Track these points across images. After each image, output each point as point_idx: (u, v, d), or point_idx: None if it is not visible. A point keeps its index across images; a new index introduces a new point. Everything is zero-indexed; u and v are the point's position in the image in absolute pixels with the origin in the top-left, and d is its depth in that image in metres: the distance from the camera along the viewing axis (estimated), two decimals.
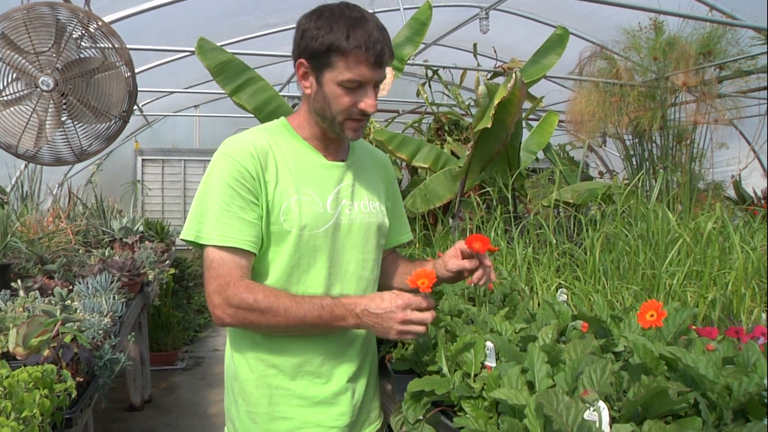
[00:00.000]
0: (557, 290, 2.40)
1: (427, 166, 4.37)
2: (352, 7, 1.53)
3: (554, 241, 2.54)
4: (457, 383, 1.42)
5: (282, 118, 1.70)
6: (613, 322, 1.67)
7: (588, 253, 2.40)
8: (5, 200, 3.90)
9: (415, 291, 1.45)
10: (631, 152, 6.53)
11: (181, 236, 1.54)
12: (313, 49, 1.50)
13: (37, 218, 5.57)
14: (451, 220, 3.93)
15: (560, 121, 6.10)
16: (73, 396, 2.07)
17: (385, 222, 1.73)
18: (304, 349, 1.59)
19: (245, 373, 1.62)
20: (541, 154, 6.04)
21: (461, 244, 1.65)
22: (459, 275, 1.68)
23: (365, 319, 1.47)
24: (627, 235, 2.42)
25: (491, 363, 1.46)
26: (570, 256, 2.73)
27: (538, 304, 2.39)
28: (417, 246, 3.58)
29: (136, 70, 6.72)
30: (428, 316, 1.46)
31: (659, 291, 2.10)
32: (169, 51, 5.86)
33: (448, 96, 5.82)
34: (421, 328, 1.46)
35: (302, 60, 1.54)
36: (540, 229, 3.10)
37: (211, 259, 1.51)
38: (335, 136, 1.60)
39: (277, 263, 1.57)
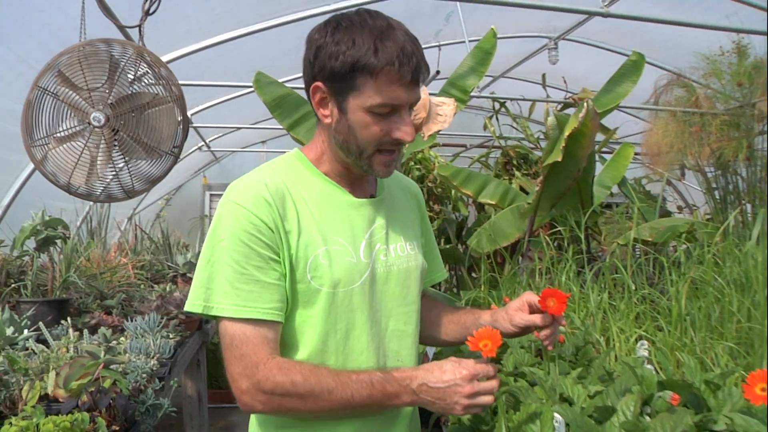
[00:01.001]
0: (637, 342, 2.14)
1: (494, 202, 4.14)
2: (375, 15, 1.28)
3: (633, 286, 2.28)
4: None
5: (296, 149, 1.46)
6: (708, 389, 1.42)
7: (672, 300, 2.13)
8: (67, 235, 3.86)
9: (473, 354, 1.24)
10: (714, 185, 6.12)
11: (185, 307, 1.31)
12: (333, 70, 1.25)
13: (102, 253, 5.61)
14: (520, 261, 3.68)
15: (635, 154, 5.78)
16: None
17: (425, 264, 1.52)
18: (350, 426, 1.36)
19: None
20: (615, 189, 5.73)
21: (530, 297, 1.43)
22: (525, 330, 1.46)
23: (424, 395, 1.25)
24: (718, 280, 2.13)
25: None
26: (650, 302, 2.46)
27: (615, 358, 2.13)
28: (483, 289, 3.35)
29: (202, 107, 6.83)
30: (495, 384, 1.25)
31: (757, 349, 1.82)
32: (233, 87, 5.87)
33: (516, 129, 5.60)
34: (489, 399, 1.24)
35: (319, 83, 1.30)
36: (616, 271, 2.83)
37: (231, 335, 1.27)
38: (362, 172, 1.40)
39: (309, 331, 1.33)
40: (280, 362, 1.26)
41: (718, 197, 6.12)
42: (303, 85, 1.40)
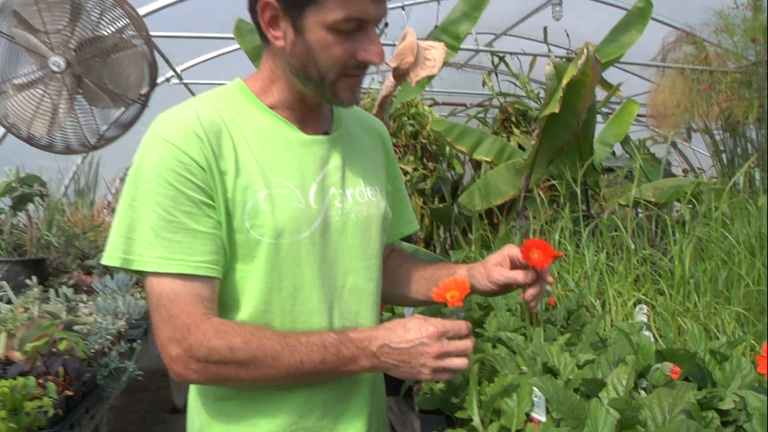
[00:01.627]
0: (635, 306, 1.95)
1: (489, 159, 3.94)
2: None
3: (633, 246, 2.08)
4: None
5: (238, 79, 1.24)
6: (713, 360, 1.23)
7: (675, 262, 1.94)
8: (44, 192, 3.68)
9: (437, 310, 1.05)
10: (721, 148, 5.89)
11: (102, 260, 1.10)
12: None
13: (87, 213, 5.44)
14: (514, 220, 3.49)
15: (639, 115, 5.54)
16: (50, 413, 1.78)
17: (389, 212, 1.32)
18: (300, 398, 1.17)
19: None
20: (617, 150, 5.52)
21: (512, 250, 1.24)
22: (505, 289, 1.28)
23: (385, 358, 1.08)
24: (728, 237, 1.94)
25: (540, 415, 1.05)
26: (651, 264, 2.27)
27: (611, 324, 1.95)
28: (474, 248, 3.17)
29: (192, 63, 6.57)
30: (469, 344, 1.08)
31: None
32: (222, 39, 5.61)
33: (516, 86, 5.36)
34: (461, 362, 1.07)
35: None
36: (615, 231, 2.64)
37: (158, 293, 1.08)
38: (319, 101, 1.19)
39: (250, 290, 1.15)
40: (215, 324, 1.07)
41: (725, 160, 5.91)
42: None
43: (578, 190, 2.67)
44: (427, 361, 1.06)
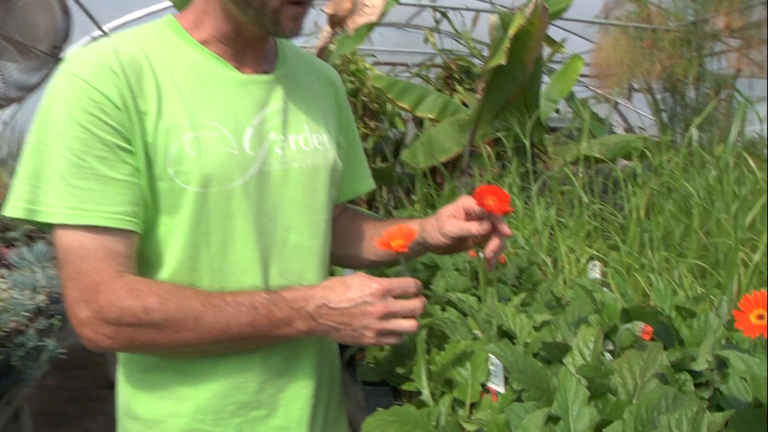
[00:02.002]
0: (588, 263, 1.86)
1: (433, 116, 3.81)
2: None
3: (584, 198, 1.98)
4: (442, 419, 0.89)
5: (168, 15, 1.09)
6: (679, 318, 1.13)
7: (634, 215, 1.84)
8: None
9: (381, 272, 0.92)
10: (662, 107, 5.89)
11: (3, 211, 0.95)
12: None
13: (9, 182, 5.08)
14: (459, 178, 3.37)
15: (581, 75, 5.48)
16: None
17: (338, 163, 1.17)
18: (232, 369, 1.04)
19: (145, 411, 1.06)
20: (561, 109, 5.45)
21: (467, 201, 1.11)
22: (459, 244, 1.15)
23: (324, 320, 0.96)
24: (687, 187, 1.85)
25: (497, 386, 0.93)
26: (602, 219, 2.18)
27: (564, 282, 1.85)
28: (417, 208, 3.04)
29: (118, 23, 6.19)
30: (418, 303, 0.97)
31: (729, 267, 1.55)
32: None
33: (460, 43, 5.22)
34: (409, 324, 0.96)
35: None
36: (564, 186, 2.54)
37: (66, 247, 0.94)
38: (258, 34, 1.04)
39: (174, 243, 1.00)
40: (129, 282, 0.93)
41: (666, 119, 5.93)
42: None
43: (527, 143, 2.55)
44: (371, 322, 0.94)
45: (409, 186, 3.91)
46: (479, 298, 1.51)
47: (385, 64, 7.28)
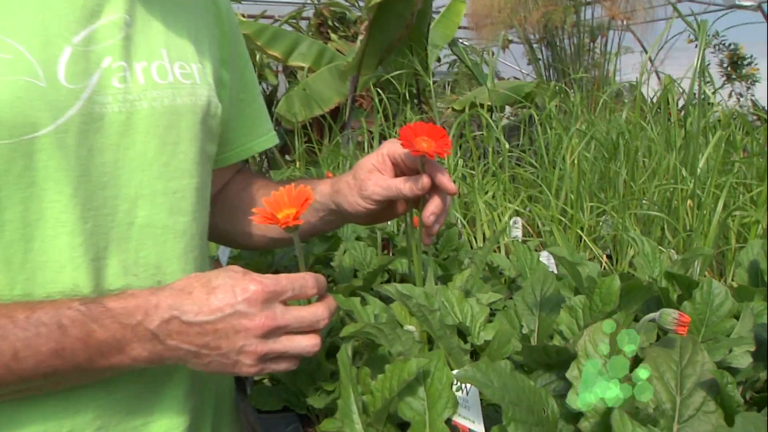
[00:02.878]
0: (511, 220, 1.58)
1: (307, 65, 3.41)
2: None
3: (504, 144, 1.68)
4: None
5: None
6: (671, 288, 0.85)
7: (563, 162, 1.57)
8: None
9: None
10: (538, 57, 5.79)
11: None
12: None
13: None
14: (341, 131, 3.01)
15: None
16: None
17: (215, 106, 0.80)
18: (53, 411, 0.67)
19: None
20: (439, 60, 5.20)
21: (393, 147, 0.79)
22: (387, 210, 0.84)
23: (175, 340, 0.62)
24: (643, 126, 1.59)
25: (471, 423, 0.60)
26: (516, 166, 1.91)
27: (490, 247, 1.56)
28: (298, 166, 2.67)
29: None
30: (321, 311, 0.65)
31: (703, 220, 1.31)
32: None
33: None
34: (307, 343, 0.64)
35: None
36: (461, 136, 2.24)
37: None
38: None
39: None
40: None
41: (542, 69, 5.85)
42: None
43: (416, 90, 2.23)
44: (248, 343, 0.62)
45: (286, 142, 3.52)
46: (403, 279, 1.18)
47: (249, 17, 6.74)
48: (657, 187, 1.37)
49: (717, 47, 6.71)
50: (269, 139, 0.98)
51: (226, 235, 0.97)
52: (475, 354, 0.81)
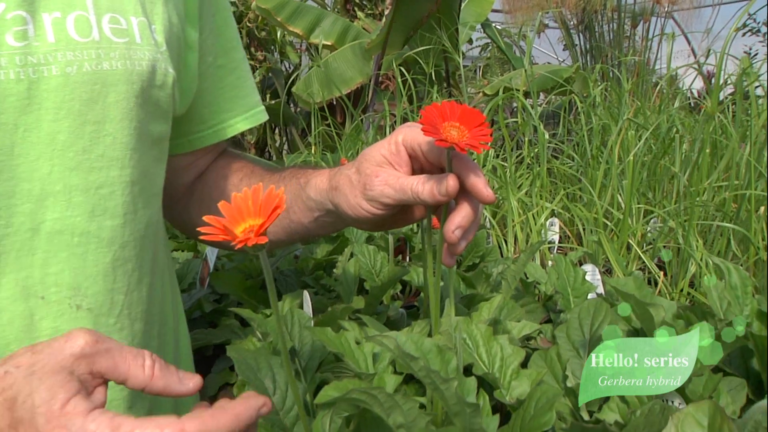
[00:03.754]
0: (547, 222, 1.37)
1: (330, 43, 3.21)
2: None
3: (544, 133, 1.46)
4: None
5: None
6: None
7: (604, 156, 1.35)
8: None
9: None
10: (575, 42, 5.53)
11: None
12: None
13: None
14: (363, 114, 2.80)
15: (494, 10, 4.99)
16: None
17: (163, 72, 0.60)
18: None
19: None
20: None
21: (409, 133, 0.59)
22: (401, 215, 0.64)
23: None
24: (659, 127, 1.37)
25: None
26: (554, 159, 1.70)
27: (515, 251, 1.35)
28: (314, 150, 2.47)
29: None
30: None
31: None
32: None
33: None
34: None
35: None
36: (492, 123, 2.04)
37: None
38: None
39: None
40: None
41: (579, 55, 5.59)
42: None
43: (445, 73, 2.02)
44: None
45: (305, 125, 3.32)
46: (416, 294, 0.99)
47: None
48: (720, 191, 1.15)
49: (767, 36, 6.36)
50: (256, 115, 0.79)
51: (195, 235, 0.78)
52: (503, 412, 0.61)
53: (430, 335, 0.64)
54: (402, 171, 0.59)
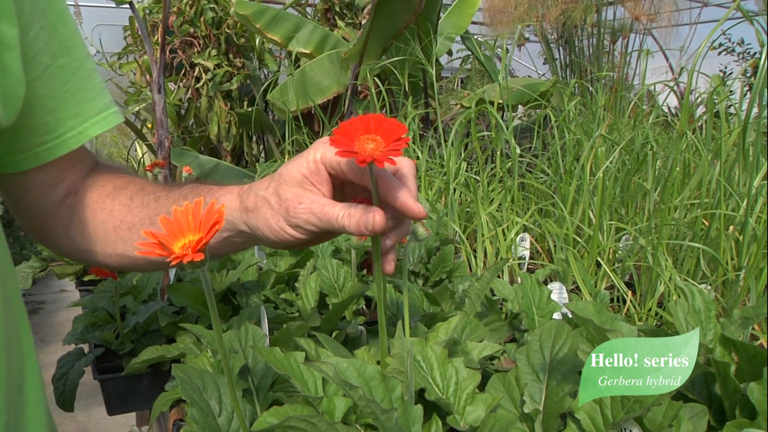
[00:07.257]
0: (517, 237, 1.35)
1: (309, 51, 3.18)
2: None
3: (516, 147, 1.44)
4: None
5: None
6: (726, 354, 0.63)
7: (576, 171, 1.34)
8: None
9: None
10: (555, 56, 5.55)
11: None
12: None
13: None
14: (338, 123, 2.78)
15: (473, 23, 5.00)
16: None
17: None
18: None
19: None
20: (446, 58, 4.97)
21: (327, 150, 0.57)
22: (324, 236, 0.62)
23: None
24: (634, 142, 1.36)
25: None
26: (527, 172, 1.68)
27: (484, 265, 1.33)
28: (286, 159, 2.44)
29: None
30: None
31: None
32: None
33: None
34: None
35: None
36: (468, 135, 2.02)
37: None
38: None
39: None
40: None
41: (558, 69, 5.62)
42: None
43: (423, 83, 2.01)
44: None
45: (283, 133, 3.30)
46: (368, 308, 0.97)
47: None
48: (692, 209, 1.14)
49: (741, 56, 6.44)
50: (108, 117, 0.71)
51: (90, 256, 0.71)
52: None
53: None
54: (324, 189, 0.56)
